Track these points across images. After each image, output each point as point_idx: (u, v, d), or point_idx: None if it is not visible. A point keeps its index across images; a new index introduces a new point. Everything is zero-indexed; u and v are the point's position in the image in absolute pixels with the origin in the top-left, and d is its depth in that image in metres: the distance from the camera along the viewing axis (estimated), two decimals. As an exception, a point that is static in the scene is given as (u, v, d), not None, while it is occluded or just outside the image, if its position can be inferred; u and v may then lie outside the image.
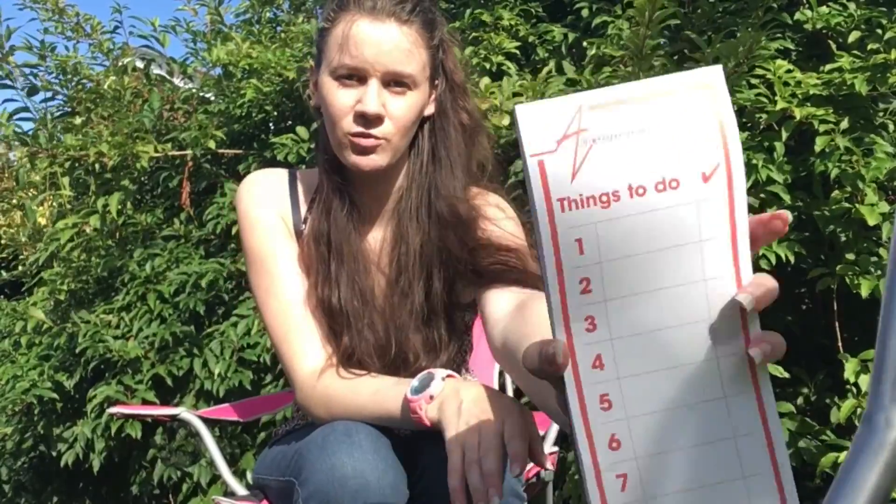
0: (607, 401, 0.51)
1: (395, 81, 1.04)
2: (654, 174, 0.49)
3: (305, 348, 1.09)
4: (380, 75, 1.03)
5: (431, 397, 0.89)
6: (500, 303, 0.98)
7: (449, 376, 0.92)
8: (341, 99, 1.04)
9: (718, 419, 0.51)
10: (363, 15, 1.02)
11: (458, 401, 0.85)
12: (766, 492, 0.52)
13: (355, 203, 1.13)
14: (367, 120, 1.03)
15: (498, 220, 1.13)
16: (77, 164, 2.68)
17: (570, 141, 0.48)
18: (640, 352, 0.51)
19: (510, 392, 1.77)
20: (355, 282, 1.11)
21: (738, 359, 0.52)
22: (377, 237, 1.17)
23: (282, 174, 1.20)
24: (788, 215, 0.51)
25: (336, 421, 1.00)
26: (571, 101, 0.49)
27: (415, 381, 0.93)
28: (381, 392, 0.99)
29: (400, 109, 1.05)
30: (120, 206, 2.64)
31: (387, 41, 1.02)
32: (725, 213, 0.49)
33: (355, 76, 1.04)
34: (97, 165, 2.59)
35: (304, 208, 1.17)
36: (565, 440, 2.14)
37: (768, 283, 0.50)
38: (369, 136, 1.04)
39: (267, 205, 1.15)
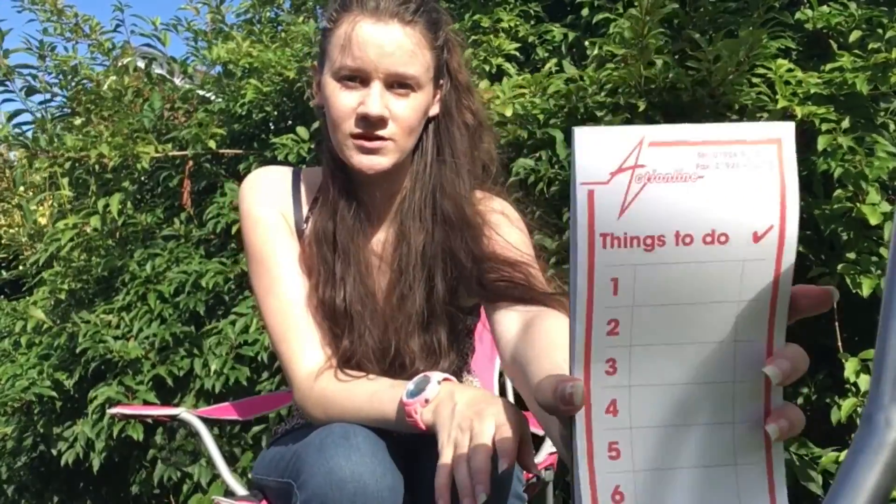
0: (616, 449, 0.49)
1: (398, 83, 1.03)
2: (704, 224, 0.46)
3: (304, 349, 1.08)
4: (383, 77, 1.02)
5: (427, 401, 0.88)
6: (508, 322, 0.97)
7: (445, 380, 0.91)
8: (344, 101, 1.03)
9: (726, 487, 0.50)
10: (366, 16, 1.01)
11: (452, 404, 0.84)
12: None
13: (363, 203, 1.12)
14: (370, 122, 1.02)
15: (502, 227, 1.12)
16: (77, 165, 2.68)
17: (624, 175, 0.46)
18: (657, 404, 0.49)
19: (510, 393, 1.77)
20: (360, 283, 1.10)
21: (754, 427, 0.51)
22: (380, 238, 1.15)
23: (285, 172, 1.19)
24: (836, 293, 0.49)
25: (334, 423, 0.99)
26: (634, 133, 0.46)
27: (410, 385, 0.92)
28: (377, 395, 0.98)
29: (403, 111, 1.03)
30: (120, 206, 2.64)
31: (390, 42, 1.00)
32: (770, 277, 0.48)
33: (358, 78, 1.02)
34: (97, 166, 2.59)
35: (305, 207, 1.16)
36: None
37: (800, 360, 0.49)
38: (373, 137, 1.03)
39: (269, 203, 1.14)
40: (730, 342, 0.49)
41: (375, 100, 1.01)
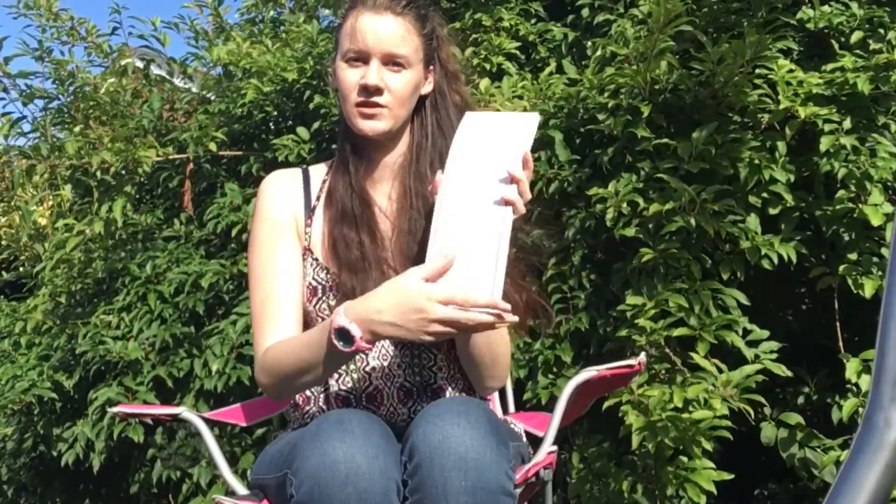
0: None
1: (392, 61, 1.24)
2: None
3: (271, 334, 1.23)
4: (379, 56, 1.24)
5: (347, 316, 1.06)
6: None
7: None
8: (349, 77, 1.25)
9: None
10: (366, 10, 1.25)
11: (367, 300, 1.08)
12: None
13: (370, 161, 1.32)
14: (369, 91, 1.23)
15: None
16: (78, 170, 2.67)
17: None
18: None
19: (510, 393, 1.75)
20: (368, 224, 1.28)
21: None
22: (384, 194, 1.33)
23: (295, 172, 1.39)
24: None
25: (331, 413, 1.05)
26: None
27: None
28: (309, 335, 1.16)
29: (396, 83, 1.25)
30: (122, 210, 2.64)
31: (384, 28, 1.23)
32: None
33: (360, 58, 1.24)
34: (98, 171, 2.59)
35: (315, 192, 1.35)
36: (565, 440, 2.14)
37: None
38: (372, 104, 1.24)
39: (281, 204, 1.33)
40: None
41: (373, 73, 1.23)
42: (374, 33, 1.23)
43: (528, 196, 1.10)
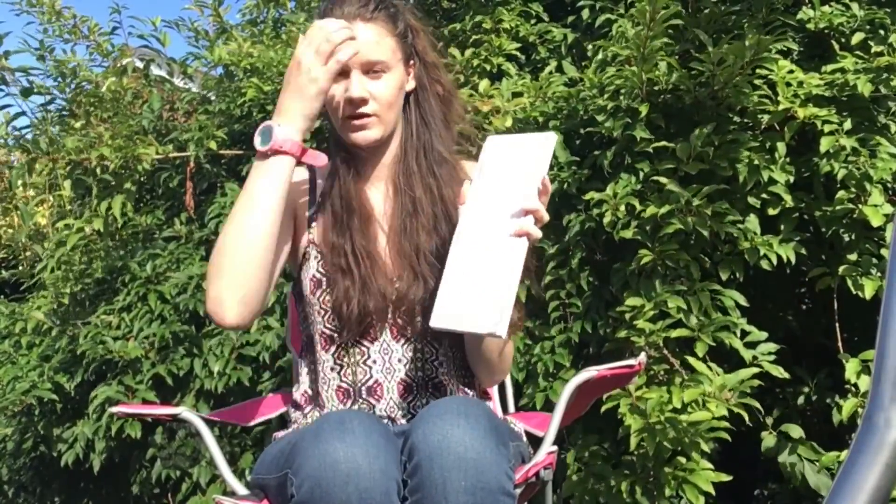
0: None
1: (371, 69, 1.25)
2: None
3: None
4: (358, 66, 1.24)
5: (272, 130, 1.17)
6: None
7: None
8: (333, 92, 1.26)
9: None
10: None
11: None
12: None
13: (361, 168, 1.34)
14: (355, 103, 1.25)
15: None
16: (77, 167, 2.67)
17: None
18: None
19: (509, 394, 1.75)
20: (361, 230, 1.29)
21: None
22: (379, 196, 1.35)
23: (301, 171, 1.38)
24: None
25: (331, 413, 1.04)
26: None
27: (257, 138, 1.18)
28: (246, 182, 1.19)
29: (379, 89, 1.26)
30: (122, 208, 2.64)
31: (357, 38, 1.21)
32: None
33: (341, 72, 1.22)
34: (98, 168, 2.59)
35: (318, 194, 1.36)
36: (563, 440, 2.14)
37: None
38: (360, 115, 1.26)
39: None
40: None
41: (356, 85, 1.24)
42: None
43: (546, 219, 1.11)
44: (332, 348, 1.30)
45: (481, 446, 0.99)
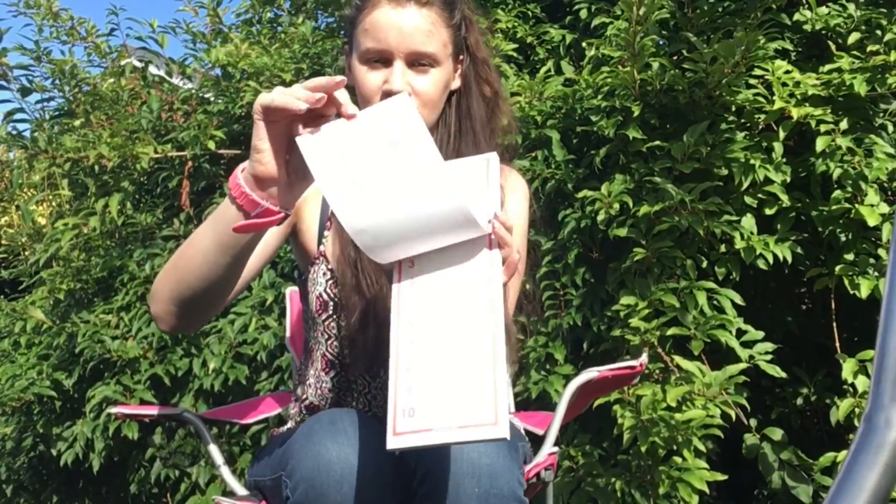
0: None
1: (418, 61, 1.11)
2: None
3: None
4: (403, 56, 1.10)
5: (243, 169, 0.87)
6: None
7: None
8: (370, 81, 1.11)
9: None
10: (386, 2, 1.10)
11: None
12: None
13: None
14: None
15: (510, 202, 1.24)
16: (76, 165, 2.67)
17: None
18: None
19: (509, 393, 1.76)
20: None
21: None
22: None
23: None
24: None
25: (322, 413, 1.01)
26: None
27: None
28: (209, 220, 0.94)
29: (424, 85, 1.12)
30: (119, 207, 2.64)
31: (407, 24, 1.09)
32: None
33: (381, 59, 1.11)
34: (96, 167, 2.59)
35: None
36: (559, 440, 2.15)
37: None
38: None
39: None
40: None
41: (397, 77, 1.09)
42: (397, 30, 1.09)
43: (517, 257, 0.87)
44: (333, 373, 1.23)
45: (495, 452, 0.96)
